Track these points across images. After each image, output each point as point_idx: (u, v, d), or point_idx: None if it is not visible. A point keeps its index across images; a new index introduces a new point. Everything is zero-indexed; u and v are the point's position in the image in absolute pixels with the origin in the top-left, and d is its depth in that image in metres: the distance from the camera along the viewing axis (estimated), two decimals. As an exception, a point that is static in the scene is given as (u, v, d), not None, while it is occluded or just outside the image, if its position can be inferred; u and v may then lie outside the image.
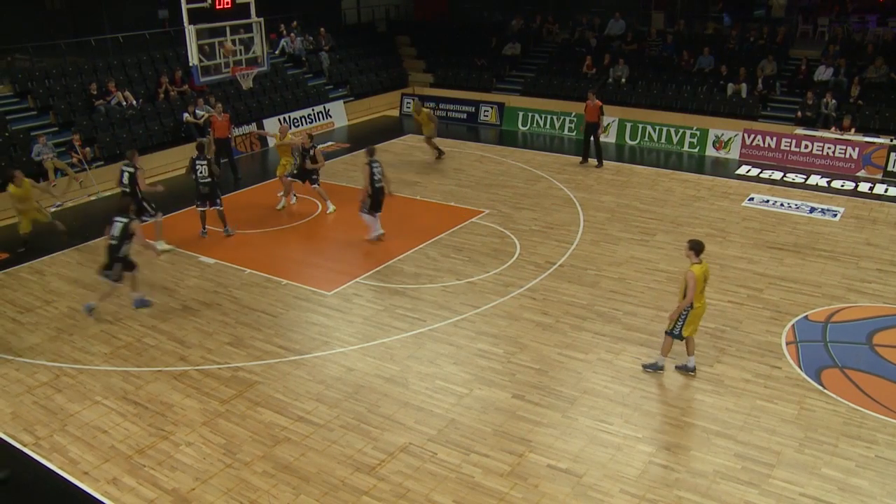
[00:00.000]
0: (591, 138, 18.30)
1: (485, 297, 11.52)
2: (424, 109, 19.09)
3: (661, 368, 9.38)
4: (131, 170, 13.28)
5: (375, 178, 13.31)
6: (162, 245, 13.39)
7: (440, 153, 19.18)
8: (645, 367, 9.45)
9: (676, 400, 8.90)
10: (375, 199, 13.46)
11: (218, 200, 13.77)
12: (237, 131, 19.89)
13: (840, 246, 13.29)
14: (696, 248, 8.88)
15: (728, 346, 10.04)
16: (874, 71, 19.79)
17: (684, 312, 8.94)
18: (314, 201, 15.84)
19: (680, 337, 9.13)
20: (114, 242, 10.83)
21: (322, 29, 25.82)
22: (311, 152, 14.79)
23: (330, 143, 21.12)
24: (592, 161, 18.43)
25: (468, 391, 9.15)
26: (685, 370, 9.37)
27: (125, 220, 10.82)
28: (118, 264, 10.89)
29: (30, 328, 10.94)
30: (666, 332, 9.26)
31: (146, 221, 13.45)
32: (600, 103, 18.06)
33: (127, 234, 10.78)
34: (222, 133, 17.68)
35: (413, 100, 24.54)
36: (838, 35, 22.18)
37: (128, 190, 13.31)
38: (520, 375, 9.45)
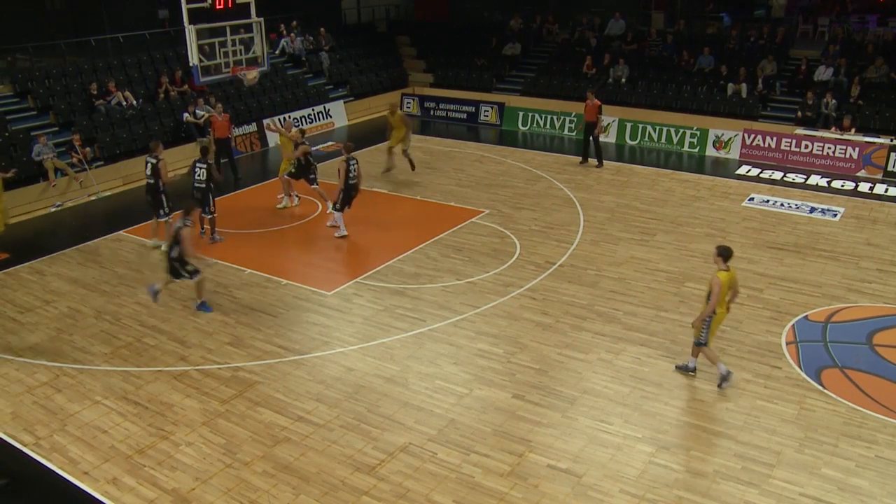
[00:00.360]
0: (591, 138, 18.31)
1: (485, 297, 11.52)
2: (399, 112, 17.57)
3: (728, 375, 9.07)
4: (153, 160, 13.31)
5: (351, 174, 13.66)
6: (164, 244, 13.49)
7: (390, 169, 17.66)
8: (721, 385, 9.09)
9: (676, 400, 8.90)
10: (348, 196, 13.80)
11: (207, 208, 13.61)
12: (237, 131, 19.88)
13: (840, 246, 13.29)
14: (724, 254, 8.80)
15: (728, 346, 10.04)
16: (874, 71, 19.79)
17: (707, 319, 8.84)
18: (314, 201, 15.85)
19: (706, 343, 9.01)
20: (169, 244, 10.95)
21: (322, 29, 25.83)
22: (299, 148, 14.92)
23: (330, 143, 21.12)
24: (593, 161, 18.43)
25: (468, 391, 9.15)
26: (685, 370, 9.37)
27: (179, 224, 10.78)
28: (176, 264, 10.90)
29: (30, 328, 10.94)
30: (696, 343, 9.12)
31: (161, 219, 13.48)
32: (599, 103, 18.06)
33: (177, 240, 10.76)
34: (222, 133, 17.68)
35: (413, 99, 24.62)
36: (838, 35, 22.18)
37: (151, 181, 13.36)
38: (520, 375, 9.45)
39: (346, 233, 13.99)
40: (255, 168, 19.40)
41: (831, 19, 24.14)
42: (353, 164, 13.74)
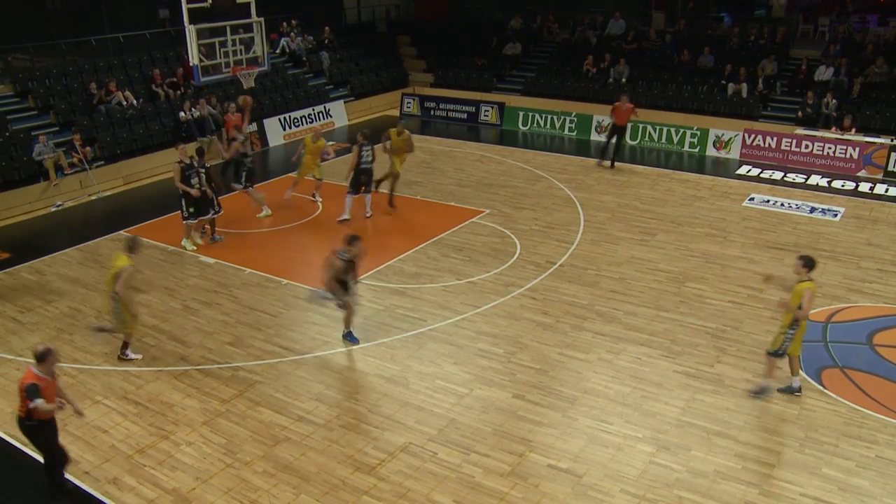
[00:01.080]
0: (614, 139, 18.18)
1: (485, 297, 11.52)
2: (407, 133, 15.27)
3: (771, 392, 8.85)
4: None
5: (363, 159, 14.26)
6: (188, 242, 13.62)
7: (392, 203, 15.35)
8: (752, 393, 8.91)
9: (676, 400, 8.90)
10: (357, 179, 14.42)
11: (211, 210, 13.51)
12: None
13: (840, 246, 13.29)
14: (810, 264, 8.52)
15: (728, 346, 10.04)
16: (875, 70, 19.79)
17: (791, 331, 8.56)
18: (316, 201, 15.86)
19: (783, 354, 8.73)
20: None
21: (327, 28, 25.85)
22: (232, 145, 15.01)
23: (331, 143, 21.04)
24: (605, 162, 18.35)
25: (468, 391, 9.15)
26: (790, 391, 8.95)
27: (343, 256, 9.79)
28: (339, 285, 9.97)
29: (30, 328, 10.94)
30: (769, 353, 8.81)
31: (184, 221, 13.42)
32: (632, 106, 18.00)
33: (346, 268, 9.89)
34: (233, 132, 17.70)
35: (413, 99, 24.60)
36: (839, 35, 22.18)
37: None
38: (520, 375, 9.45)
39: (347, 217, 14.50)
40: (256, 168, 19.35)
41: (832, 19, 24.13)
42: (367, 150, 14.28)
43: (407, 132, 15.43)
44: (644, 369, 9.53)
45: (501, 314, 11.01)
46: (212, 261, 13.13)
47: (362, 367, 9.73)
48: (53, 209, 16.35)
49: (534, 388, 9.17)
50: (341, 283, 9.84)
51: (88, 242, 14.17)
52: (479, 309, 11.17)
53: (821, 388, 9.07)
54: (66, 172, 16.81)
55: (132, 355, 10.02)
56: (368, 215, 14.91)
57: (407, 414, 8.73)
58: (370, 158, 14.39)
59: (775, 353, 8.76)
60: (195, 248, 13.55)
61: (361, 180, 14.48)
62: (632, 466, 7.77)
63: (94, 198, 17.04)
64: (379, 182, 15.30)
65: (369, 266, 12.73)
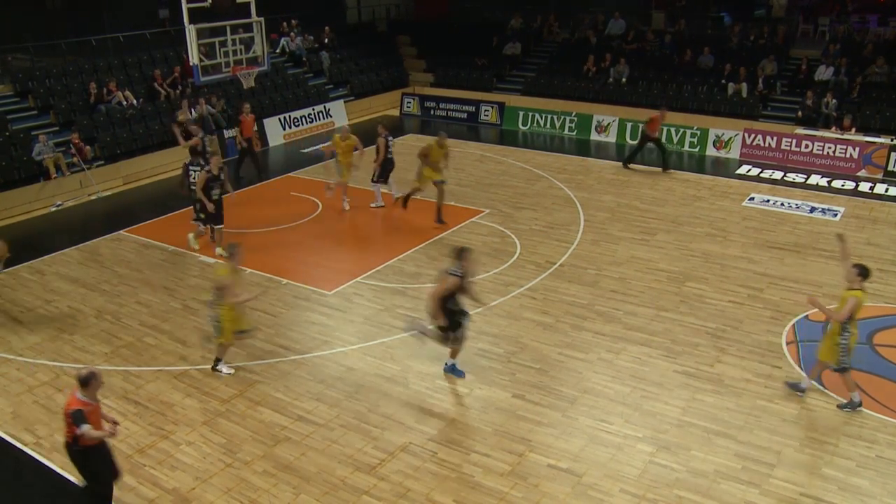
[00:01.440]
0: (651, 144, 18.15)
1: (485, 297, 11.48)
2: (448, 143, 14.63)
3: (859, 403, 8.63)
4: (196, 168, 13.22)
5: (390, 149, 15.07)
6: (219, 251, 13.26)
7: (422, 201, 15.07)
8: (841, 407, 8.67)
9: (676, 400, 8.90)
10: (385, 169, 15.21)
11: (220, 222, 13.17)
12: (234, 132, 19.85)
13: (840, 246, 13.28)
14: (864, 273, 8.43)
15: (729, 345, 10.04)
16: (875, 70, 19.79)
17: (843, 342, 8.40)
18: (315, 200, 15.85)
19: (849, 367, 8.54)
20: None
21: (327, 28, 25.86)
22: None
23: (329, 144, 21.06)
24: (635, 166, 18.32)
25: (468, 391, 9.15)
26: (795, 388, 8.95)
27: (457, 272, 8.84)
28: (458, 317, 9.10)
29: (30, 328, 10.94)
30: (836, 370, 8.62)
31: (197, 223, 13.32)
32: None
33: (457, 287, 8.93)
34: (248, 132, 17.78)
35: (413, 98, 24.59)
36: (839, 35, 22.17)
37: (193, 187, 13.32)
38: (520, 375, 9.45)
39: (382, 203, 15.46)
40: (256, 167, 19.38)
41: (832, 19, 24.13)
42: (391, 140, 15.13)
43: (447, 143, 14.57)
44: (644, 369, 9.52)
45: (501, 314, 11.01)
46: (212, 261, 13.12)
47: (362, 367, 9.73)
48: (53, 209, 16.36)
49: (534, 387, 9.17)
50: (448, 311, 8.88)
51: (88, 242, 14.17)
52: (479, 308, 11.15)
53: (821, 387, 9.06)
54: (65, 174, 16.81)
55: (225, 370, 9.65)
56: (373, 206, 15.47)
57: (407, 414, 8.73)
58: (393, 147, 15.28)
59: (840, 369, 8.56)
60: (198, 248, 13.50)
61: (388, 169, 15.20)
62: (632, 466, 7.77)
63: (94, 198, 17.05)
64: (440, 202, 14.57)
65: (370, 265, 12.75)
